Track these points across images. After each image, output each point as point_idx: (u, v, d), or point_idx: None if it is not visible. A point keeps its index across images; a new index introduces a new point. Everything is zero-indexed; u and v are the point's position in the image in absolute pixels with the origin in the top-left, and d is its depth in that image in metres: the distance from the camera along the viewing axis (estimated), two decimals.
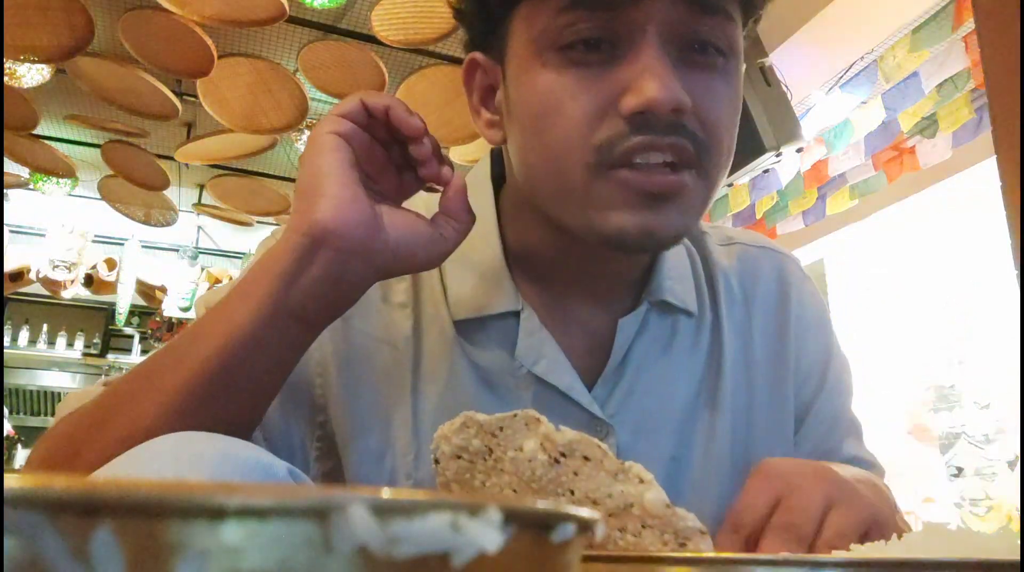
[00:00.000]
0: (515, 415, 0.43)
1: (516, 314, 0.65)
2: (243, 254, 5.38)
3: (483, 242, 0.66)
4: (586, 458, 0.41)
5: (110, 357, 6.05)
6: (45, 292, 5.00)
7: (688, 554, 0.38)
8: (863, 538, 0.46)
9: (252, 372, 0.53)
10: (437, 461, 0.46)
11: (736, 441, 0.68)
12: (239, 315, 0.52)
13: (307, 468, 0.63)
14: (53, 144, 3.89)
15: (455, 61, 3.01)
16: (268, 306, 0.52)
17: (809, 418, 0.72)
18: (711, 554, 0.39)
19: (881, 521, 0.48)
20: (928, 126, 3.17)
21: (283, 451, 0.61)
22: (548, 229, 0.63)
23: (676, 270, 0.70)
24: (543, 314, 0.66)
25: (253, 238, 5.15)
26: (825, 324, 0.78)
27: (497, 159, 0.71)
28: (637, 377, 0.67)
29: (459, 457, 0.45)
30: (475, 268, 0.66)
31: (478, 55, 0.64)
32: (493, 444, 0.44)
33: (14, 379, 5.92)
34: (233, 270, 5.41)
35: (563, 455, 0.41)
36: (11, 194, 4.62)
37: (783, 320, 0.73)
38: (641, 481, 0.40)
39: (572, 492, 0.41)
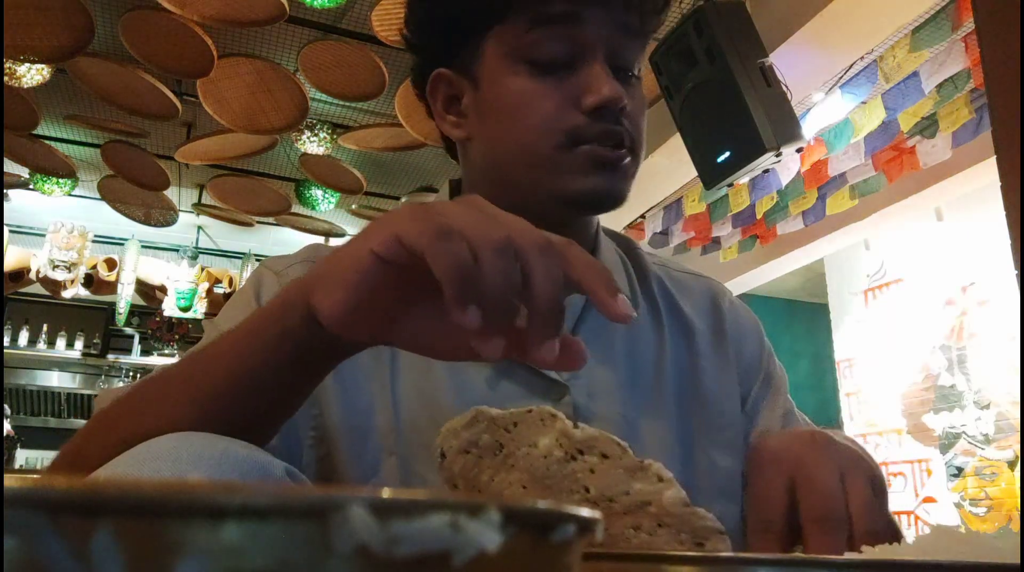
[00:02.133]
0: (530, 411, 0.42)
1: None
2: (243, 254, 5.38)
3: None
4: (604, 455, 0.40)
5: (110, 357, 6.06)
6: (45, 292, 5.00)
7: (688, 553, 0.38)
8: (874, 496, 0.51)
9: (261, 404, 0.55)
10: (443, 456, 0.46)
11: (681, 412, 0.77)
12: (248, 356, 0.53)
13: (303, 454, 0.68)
14: (53, 144, 3.89)
15: None
16: (275, 356, 0.52)
17: (763, 410, 0.82)
18: (712, 554, 0.39)
19: (878, 475, 0.54)
20: (928, 126, 3.17)
21: (284, 437, 0.66)
22: (498, 190, 0.75)
23: (610, 263, 0.82)
24: None
25: (253, 238, 5.15)
26: (759, 329, 0.88)
27: (456, 188, 0.84)
28: (587, 347, 0.73)
29: (467, 452, 0.45)
30: None
31: (444, 71, 0.77)
32: (505, 440, 0.43)
33: (14, 379, 5.92)
34: (233, 270, 5.41)
35: (580, 452, 0.41)
36: (11, 194, 4.62)
37: (719, 326, 0.84)
38: (660, 479, 0.40)
39: (587, 489, 0.41)
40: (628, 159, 0.73)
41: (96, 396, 0.71)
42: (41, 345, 5.84)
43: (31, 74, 3.06)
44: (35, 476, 0.14)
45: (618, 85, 0.71)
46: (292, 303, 0.51)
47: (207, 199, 4.52)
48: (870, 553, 0.37)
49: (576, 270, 0.44)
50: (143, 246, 5.15)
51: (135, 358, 6.07)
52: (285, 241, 5.03)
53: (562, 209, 0.73)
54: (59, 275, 4.73)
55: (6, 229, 4.94)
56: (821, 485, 0.50)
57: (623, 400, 0.74)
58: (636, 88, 0.76)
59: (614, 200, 0.74)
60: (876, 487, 0.53)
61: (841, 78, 2.88)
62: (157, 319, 5.71)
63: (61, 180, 4.12)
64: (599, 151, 0.71)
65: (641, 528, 0.40)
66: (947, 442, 3.93)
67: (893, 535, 0.56)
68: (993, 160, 1.03)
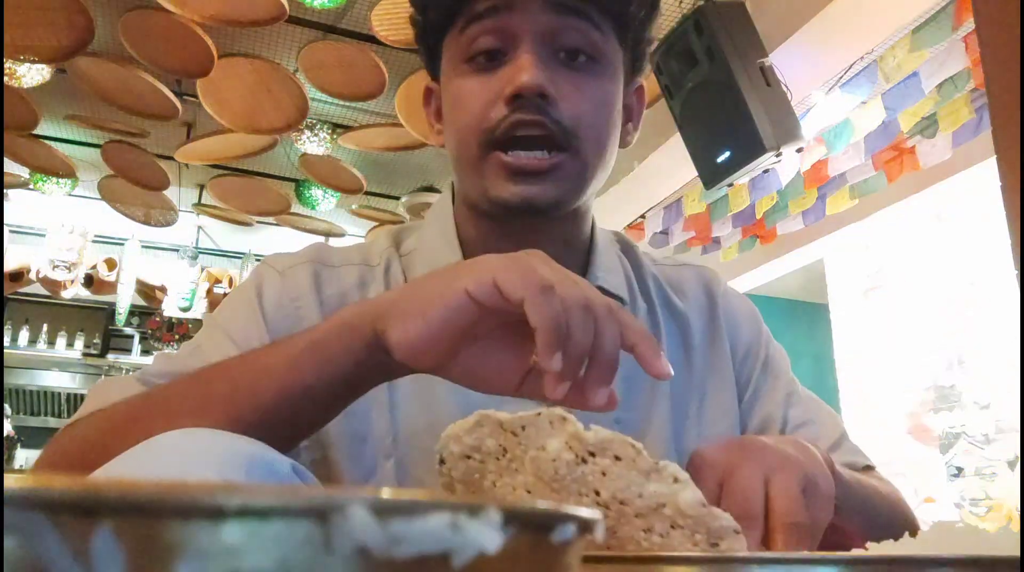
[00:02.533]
0: (539, 414, 0.42)
1: None
2: (243, 254, 5.38)
3: (445, 245, 0.78)
4: (617, 457, 0.40)
5: (110, 357, 6.06)
6: (45, 292, 5.00)
7: (684, 553, 0.38)
8: (805, 495, 0.51)
9: (306, 418, 0.57)
10: (443, 461, 0.46)
11: (676, 409, 0.77)
12: (304, 373, 0.54)
13: (299, 456, 0.67)
14: (53, 144, 3.89)
15: None
16: (331, 375, 0.54)
17: (763, 396, 0.82)
18: (706, 553, 0.39)
19: (812, 474, 0.54)
20: (928, 126, 3.17)
21: None
22: (481, 216, 0.76)
23: (608, 266, 0.81)
24: None
25: (253, 238, 5.15)
26: (754, 315, 0.88)
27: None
28: None
29: (469, 457, 0.45)
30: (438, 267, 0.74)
31: (431, 83, 0.81)
32: (511, 443, 0.43)
33: (14, 379, 5.92)
34: (233, 270, 5.41)
35: (592, 454, 0.41)
36: (11, 194, 4.62)
37: (714, 317, 0.84)
38: (676, 480, 0.39)
39: (597, 492, 0.41)
40: (562, 161, 0.70)
41: (92, 388, 0.69)
42: (41, 345, 5.84)
43: (31, 74, 3.06)
44: (35, 476, 0.14)
45: (540, 71, 0.68)
46: (356, 326, 0.53)
47: (207, 199, 4.51)
48: (874, 550, 0.37)
49: (629, 333, 0.51)
50: (143, 246, 5.14)
51: (135, 358, 6.07)
52: (285, 241, 5.03)
53: (498, 214, 0.73)
54: (59, 275, 4.72)
55: (6, 229, 4.94)
56: (740, 486, 0.51)
57: (623, 401, 0.74)
58: (588, 73, 0.72)
59: (543, 208, 0.71)
60: (810, 486, 0.52)
61: (841, 78, 2.88)
62: (157, 319, 5.70)
63: (61, 180, 4.11)
64: (513, 161, 0.69)
65: (653, 530, 0.40)
66: (947, 442, 3.93)
67: (850, 534, 0.56)
68: (993, 160, 1.03)
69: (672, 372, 0.51)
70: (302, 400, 0.54)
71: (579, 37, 0.71)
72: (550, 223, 0.75)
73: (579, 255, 0.80)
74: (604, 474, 0.41)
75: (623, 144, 0.79)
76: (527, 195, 0.69)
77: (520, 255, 0.53)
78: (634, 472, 0.40)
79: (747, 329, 0.85)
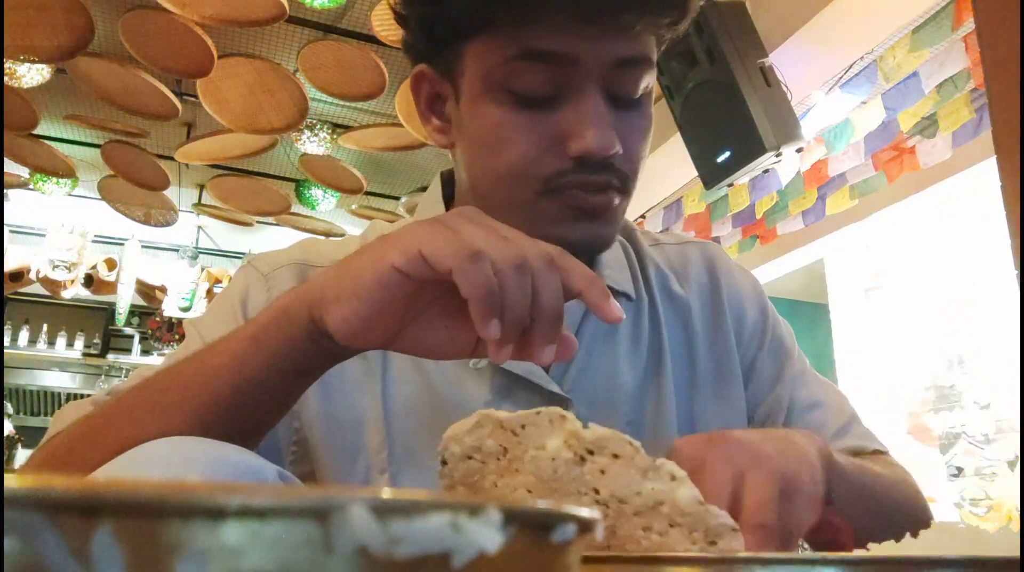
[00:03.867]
0: (538, 412, 0.42)
1: None
2: (243, 254, 5.38)
3: None
4: (615, 456, 0.40)
5: (110, 357, 6.06)
6: (45, 292, 5.00)
7: (686, 554, 0.38)
8: (781, 496, 0.49)
9: (260, 411, 0.55)
10: (444, 462, 0.46)
11: (681, 403, 0.75)
12: (249, 366, 0.53)
13: (284, 467, 0.65)
14: (53, 144, 3.89)
15: None
16: (275, 359, 0.53)
17: (771, 378, 0.80)
18: (708, 555, 0.39)
19: (793, 474, 0.51)
20: (928, 126, 3.17)
21: (265, 453, 0.63)
22: (481, 204, 0.71)
23: (614, 261, 0.79)
24: None
25: (253, 238, 5.15)
26: (758, 293, 0.85)
27: (448, 181, 0.80)
28: (588, 356, 0.74)
29: (470, 458, 0.45)
30: None
31: (426, 69, 0.71)
32: (511, 443, 0.43)
33: (14, 379, 5.92)
34: (233, 270, 5.41)
35: (590, 452, 0.41)
36: (11, 194, 4.62)
37: (716, 298, 0.81)
38: (673, 478, 0.39)
39: (596, 491, 0.41)
40: (617, 201, 0.68)
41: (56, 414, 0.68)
42: (41, 345, 5.84)
43: (31, 74, 3.06)
44: (35, 476, 0.14)
45: (611, 130, 0.64)
46: (293, 314, 0.52)
47: (207, 199, 4.52)
48: (875, 550, 0.37)
49: (573, 280, 0.49)
50: (143, 246, 5.14)
51: (135, 358, 6.07)
52: (285, 241, 5.03)
53: None
54: (59, 275, 4.72)
55: (6, 229, 4.94)
56: (707, 483, 0.49)
57: (626, 406, 0.73)
58: (638, 112, 0.68)
59: (597, 249, 0.70)
60: (789, 487, 0.50)
61: (841, 78, 2.88)
62: (157, 319, 5.70)
63: (61, 180, 4.12)
64: (579, 199, 0.65)
65: (652, 529, 0.40)
66: (947, 442, 3.93)
67: (824, 532, 0.55)
68: (993, 160, 1.03)
69: (623, 315, 0.50)
70: (256, 394, 0.53)
71: (640, 74, 0.67)
72: None
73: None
74: (603, 472, 0.40)
75: None
76: (591, 237, 0.67)
77: (449, 218, 0.51)
78: (632, 470, 0.40)
79: (751, 308, 0.82)
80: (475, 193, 0.71)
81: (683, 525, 0.39)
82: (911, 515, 0.72)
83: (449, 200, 0.79)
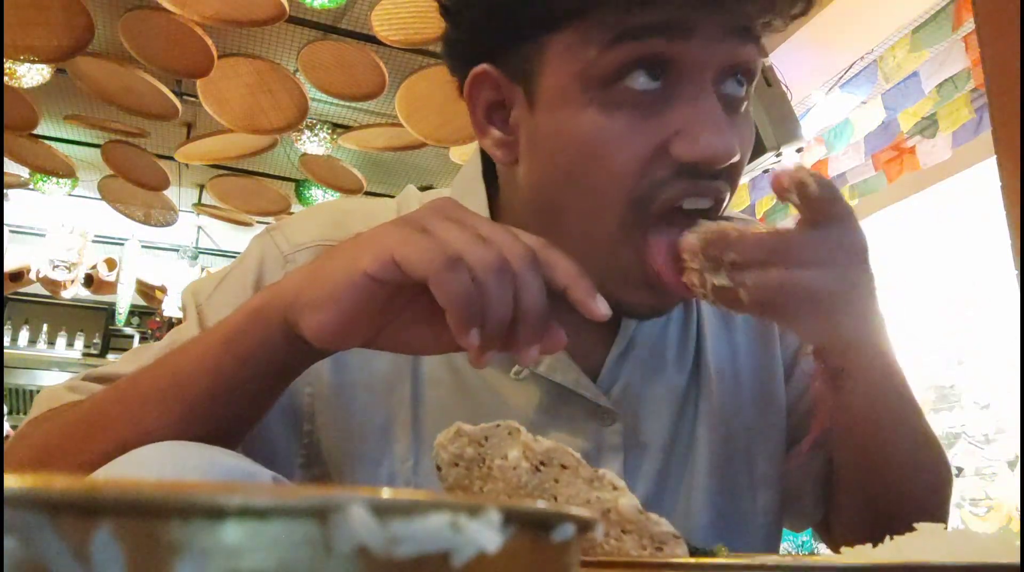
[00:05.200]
0: (498, 425, 0.44)
1: None
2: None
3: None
4: (563, 466, 0.42)
5: (110, 357, 6.05)
6: (45, 292, 5.00)
7: (688, 560, 0.39)
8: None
9: (238, 411, 0.54)
10: (439, 468, 0.47)
11: (720, 426, 0.70)
12: (225, 368, 0.52)
13: (291, 475, 0.63)
14: (53, 144, 3.89)
15: None
16: (247, 365, 0.51)
17: (797, 370, 0.75)
18: (703, 560, 0.39)
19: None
20: (928, 126, 3.17)
21: (263, 457, 0.61)
22: (553, 233, 0.59)
23: None
24: None
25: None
26: None
27: (487, 157, 0.67)
28: (634, 370, 0.69)
29: (456, 465, 0.46)
30: None
31: (490, 69, 0.58)
32: (484, 453, 0.45)
33: (14, 379, 5.91)
34: None
35: (543, 464, 0.42)
36: (11, 194, 4.62)
37: (765, 329, 0.75)
38: (615, 488, 0.41)
39: (556, 499, 0.42)
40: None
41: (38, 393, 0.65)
42: (41, 345, 5.83)
43: (31, 74, 3.06)
44: (35, 476, 0.14)
45: (732, 133, 0.54)
46: (267, 318, 0.50)
47: (207, 199, 4.51)
48: (853, 556, 0.36)
49: (558, 276, 0.47)
50: (143, 246, 5.14)
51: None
52: None
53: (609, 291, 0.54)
54: (59, 275, 4.72)
55: (6, 229, 4.94)
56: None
57: (671, 424, 0.68)
58: (745, 120, 0.59)
59: (667, 311, 0.63)
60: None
61: (841, 78, 2.88)
62: (157, 319, 5.70)
63: (61, 180, 4.11)
64: (678, 210, 0.55)
65: (609, 534, 0.41)
66: (947, 442, 3.93)
67: None
68: (993, 160, 1.03)
69: (609, 312, 0.47)
70: (234, 397, 0.52)
71: (749, 63, 0.57)
72: None
73: None
74: (557, 481, 0.42)
75: None
76: (659, 305, 0.60)
77: (425, 216, 0.47)
78: (579, 480, 0.41)
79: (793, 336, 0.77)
80: (541, 219, 0.59)
81: (632, 532, 0.40)
82: (934, 472, 0.67)
83: (487, 176, 0.68)
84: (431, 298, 0.46)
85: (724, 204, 0.58)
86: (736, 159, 0.55)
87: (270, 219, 4.57)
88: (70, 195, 4.34)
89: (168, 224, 4.58)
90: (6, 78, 3.03)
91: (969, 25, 2.40)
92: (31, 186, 4.21)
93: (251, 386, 0.52)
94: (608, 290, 0.50)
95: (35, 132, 3.65)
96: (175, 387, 0.53)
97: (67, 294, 4.92)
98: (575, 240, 0.56)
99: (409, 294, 0.49)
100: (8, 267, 4.85)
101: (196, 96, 3.14)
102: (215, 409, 0.52)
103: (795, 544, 2.82)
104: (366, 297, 0.47)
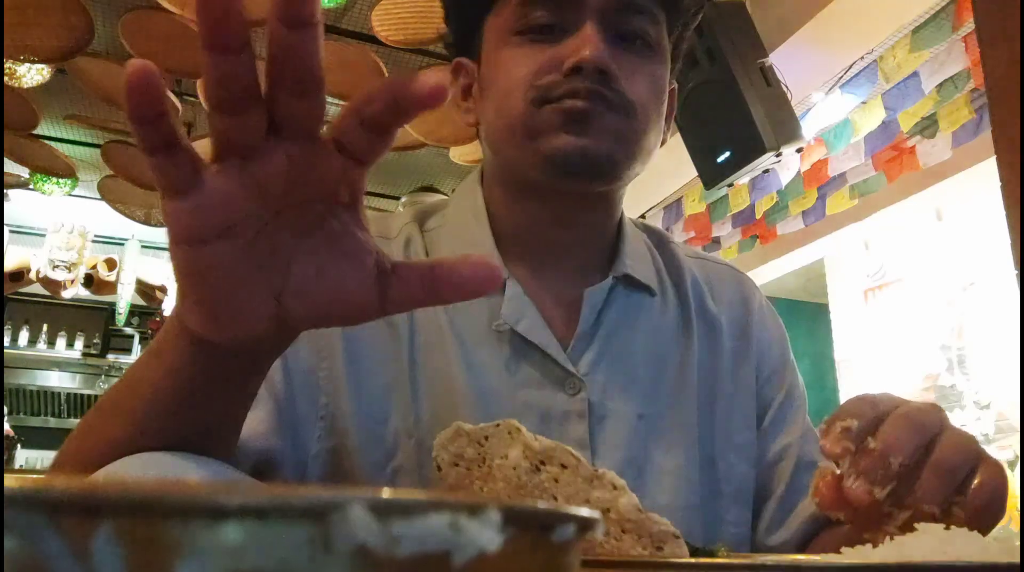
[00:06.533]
0: (498, 424, 0.44)
1: (502, 285, 0.72)
2: None
3: (474, 221, 0.77)
4: (563, 465, 0.42)
5: (110, 357, 6.05)
6: (45, 292, 5.00)
7: (692, 560, 0.39)
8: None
9: (196, 419, 0.50)
10: (439, 468, 0.47)
11: (703, 405, 0.75)
12: (159, 381, 0.49)
13: (311, 447, 0.67)
14: (53, 144, 3.89)
15: None
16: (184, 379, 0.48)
17: (784, 425, 0.79)
18: (703, 560, 0.39)
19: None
20: (928, 126, 3.17)
21: (289, 429, 0.65)
22: (516, 194, 0.75)
23: (637, 254, 0.80)
24: (525, 287, 0.74)
25: None
26: (785, 342, 0.85)
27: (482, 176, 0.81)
28: (607, 342, 0.74)
29: (456, 465, 0.46)
30: (467, 246, 0.76)
31: (462, 59, 0.78)
32: (483, 452, 0.45)
33: (14, 379, 5.92)
34: None
35: (542, 463, 0.42)
36: (11, 194, 4.62)
37: (747, 328, 0.81)
38: (614, 487, 0.41)
39: (555, 498, 0.43)
40: (609, 116, 0.68)
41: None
42: (41, 345, 5.84)
43: (31, 74, 3.06)
44: (35, 476, 0.14)
45: (601, 47, 0.67)
46: (169, 327, 0.47)
47: None
48: (852, 556, 0.36)
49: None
50: (143, 246, 5.14)
51: (135, 358, 6.06)
52: None
53: (546, 176, 0.69)
54: (59, 275, 4.72)
55: (6, 229, 4.94)
56: (951, 443, 0.48)
57: (640, 399, 0.72)
58: (643, 58, 0.71)
59: (593, 159, 0.68)
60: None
61: (841, 78, 2.88)
62: (157, 319, 5.70)
63: (61, 180, 4.11)
64: (567, 105, 0.67)
65: (609, 534, 0.41)
66: None
67: None
68: (993, 160, 1.03)
69: (446, 86, 0.37)
70: (184, 408, 0.49)
71: (641, 20, 0.71)
72: (584, 204, 0.74)
73: (607, 242, 0.79)
74: (556, 481, 0.42)
75: (660, 143, 0.76)
76: (582, 144, 0.67)
77: None
78: (579, 479, 0.42)
79: (776, 353, 0.82)
80: (492, 153, 0.75)
81: (631, 531, 0.40)
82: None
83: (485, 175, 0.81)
84: (288, 235, 0.42)
85: (616, 103, 0.68)
86: (608, 64, 0.67)
87: None
88: (70, 195, 4.34)
89: None
90: (6, 78, 3.03)
91: (969, 25, 2.40)
92: (31, 186, 4.21)
93: (193, 397, 0.48)
94: (534, 145, 0.67)
95: (35, 132, 3.65)
96: (129, 398, 0.51)
97: (67, 294, 4.92)
98: (501, 132, 0.71)
99: (249, 238, 0.41)
100: (8, 267, 4.85)
101: (196, 96, 3.14)
102: (166, 421, 0.49)
103: None
104: (193, 262, 0.42)
